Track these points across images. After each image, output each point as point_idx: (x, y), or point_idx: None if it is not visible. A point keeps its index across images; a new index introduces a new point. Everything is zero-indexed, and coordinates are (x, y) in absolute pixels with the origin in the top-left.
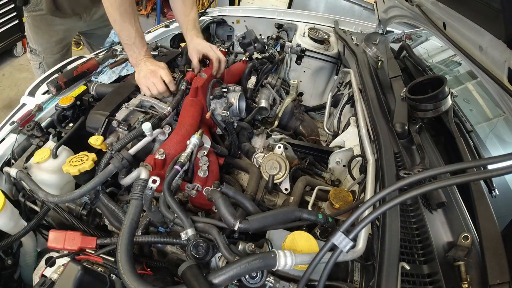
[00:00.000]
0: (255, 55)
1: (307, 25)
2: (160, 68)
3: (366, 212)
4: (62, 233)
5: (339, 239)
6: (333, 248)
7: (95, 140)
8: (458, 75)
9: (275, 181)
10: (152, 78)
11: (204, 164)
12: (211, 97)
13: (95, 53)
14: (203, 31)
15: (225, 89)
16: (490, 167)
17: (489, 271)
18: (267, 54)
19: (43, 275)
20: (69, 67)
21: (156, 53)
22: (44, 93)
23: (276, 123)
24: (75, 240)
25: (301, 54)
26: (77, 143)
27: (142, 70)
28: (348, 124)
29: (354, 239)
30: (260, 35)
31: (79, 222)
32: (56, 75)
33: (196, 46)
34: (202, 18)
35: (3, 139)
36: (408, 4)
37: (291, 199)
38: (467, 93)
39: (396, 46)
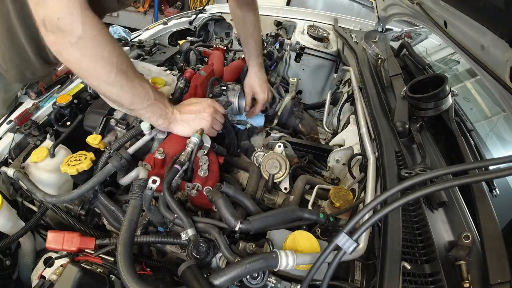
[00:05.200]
0: None
1: (306, 22)
2: (203, 101)
3: (370, 213)
4: (60, 233)
5: (343, 240)
6: (336, 248)
7: (93, 139)
8: (456, 73)
9: (275, 180)
10: (213, 115)
11: (204, 164)
12: (210, 95)
13: None
14: (201, 28)
15: (224, 87)
16: (491, 167)
17: (490, 271)
18: (265, 51)
19: (42, 276)
20: None
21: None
22: None
23: (276, 121)
24: (73, 240)
25: (300, 52)
26: (75, 142)
27: (187, 118)
28: (347, 123)
29: (358, 240)
30: None
31: (78, 222)
32: None
33: (251, 81)
34: (200, 15)
35: (0, 138)
36: (408, 2)
37: (291, 198)
38: (466, 91)
39: (395, 44)
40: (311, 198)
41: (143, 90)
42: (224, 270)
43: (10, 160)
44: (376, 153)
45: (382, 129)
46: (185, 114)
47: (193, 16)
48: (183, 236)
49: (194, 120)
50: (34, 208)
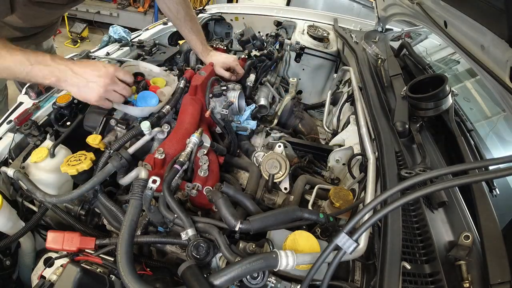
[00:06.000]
0: (254, 52)
1: (306, 22)
2: (102, 68)
3: (370, 213)
4: (60, 233)
5: (343, 240)
6: (336, 248)
7: (93, 139)
8: (456, 73)
9: (275, 180)
10: (109, 86)
11: (205, 164)
12: (211, 95)
13: (69, 56)
14: (202, 28)
15: (225, 87)
16: (491, 167)
17: (490, 271)
18: (265, 51)
19: (42, 276)
20: None
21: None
22: None
23: (276, 121)
24: (74, 240)
25: (300, 51)
26: (75, 142)
27: (78, 81)
28: (347, 123)
29: (358, 240)
30: (259, 32)
31: (78, 222)
32: None
33: (220, 60)
34: (200, 15)
35: (0, 138)
36: (408, 2)
37: (291, 198)
38: (466, 91)
39: (395, 44)
40: (311, 198)
41: (15, 59)
42: (224, 270)
43: (10, 160)
44: (376, 153)
45: (382, 129)
46: (77, 76)
47: None
48: (183, 236)
49: (85, 86)
50: (34, 208)
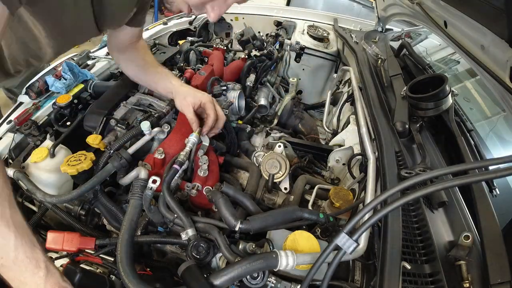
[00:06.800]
0: (254, 52)
1: (306, 22)
2: None
3: (370, 213)
4: (60, 233)
5: (343, 240)
6: (336, 248)
7: (93, 139)
8: (456, 73)
9: (275, 180)
10: None
11: (204, 163)
12: (210, 95)
13: (68, 56)
14: (201, 28)
15: (224, 87)
16: (491, 167)
17: (490, 271)
18: (265, 51)
19: None
20: (46, 70)
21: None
22: None
23: (276, 121)
24: (73, 241)
25: (300, 52)
26: (75, 142)
27: None
28: (347, 123)
29: (358, 240)
30: (259, 32)
31: (78, 222)
32: (35, 78)
33: (188, 95)
34: (200, 15)
35: (0, 138)
36: (408, 2)
37: (291, 198)
38: (466, 91)
39: (395, 44)
40: (311, 198)
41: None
42: (224, 270)
43: (10, 160)
44: (376, 153)
45: (382, 129)
46: None
47: (193, 16)
48: (183, 236)
49: None
50: (34, 208)
